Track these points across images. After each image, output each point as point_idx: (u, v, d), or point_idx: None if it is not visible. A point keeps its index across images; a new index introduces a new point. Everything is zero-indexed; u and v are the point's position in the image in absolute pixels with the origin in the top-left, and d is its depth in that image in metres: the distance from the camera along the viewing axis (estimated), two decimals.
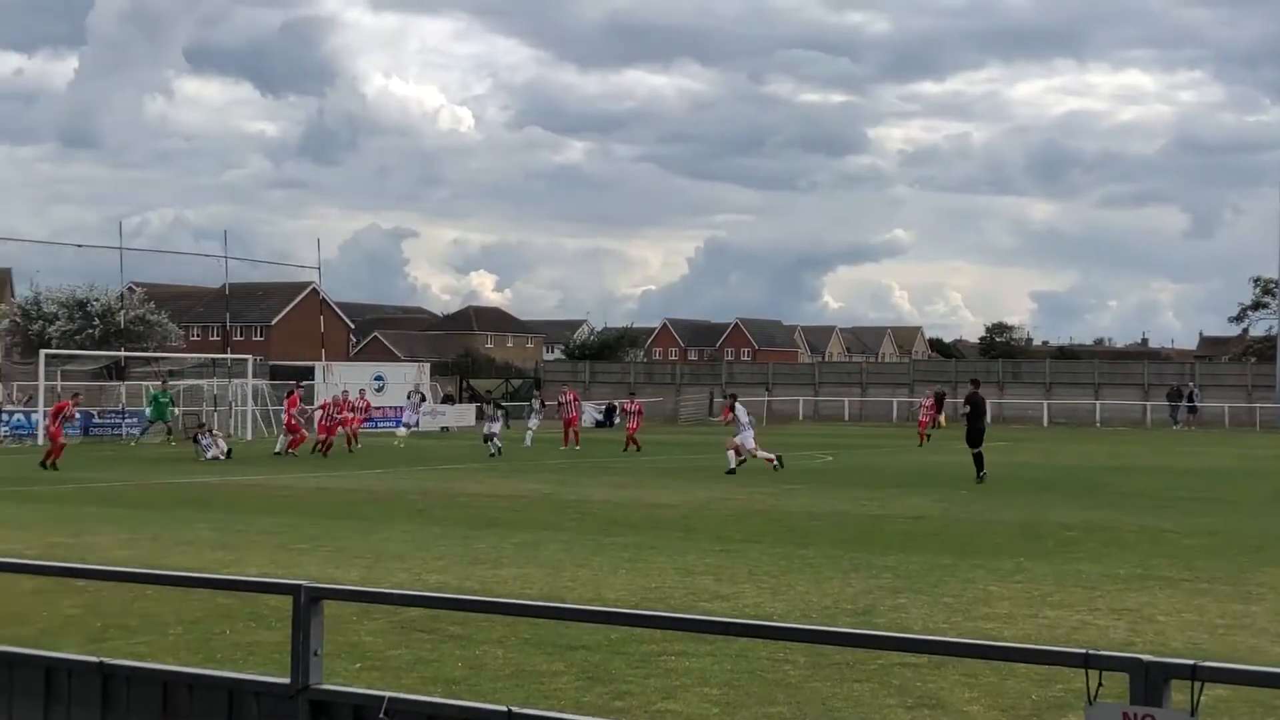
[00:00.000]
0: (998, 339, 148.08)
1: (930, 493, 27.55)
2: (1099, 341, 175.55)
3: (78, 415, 43.46)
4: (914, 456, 41.99)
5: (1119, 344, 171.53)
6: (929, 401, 52.39)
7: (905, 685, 9.97)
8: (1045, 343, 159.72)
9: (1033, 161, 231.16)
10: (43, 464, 34.63)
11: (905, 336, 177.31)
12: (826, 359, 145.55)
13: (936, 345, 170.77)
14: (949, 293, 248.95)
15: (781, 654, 10.72)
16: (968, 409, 31.42)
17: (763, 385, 79.93)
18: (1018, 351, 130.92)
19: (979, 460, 30.07)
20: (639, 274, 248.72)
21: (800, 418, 76.48)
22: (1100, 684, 4.16)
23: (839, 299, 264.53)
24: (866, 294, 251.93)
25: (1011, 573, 15.95)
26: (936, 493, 27.55)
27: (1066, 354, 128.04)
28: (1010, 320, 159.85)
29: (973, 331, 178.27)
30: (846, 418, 77.33)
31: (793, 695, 9.70)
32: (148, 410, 51.18)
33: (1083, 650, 4.21)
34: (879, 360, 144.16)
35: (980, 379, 41.60)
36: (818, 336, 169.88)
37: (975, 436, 30.42)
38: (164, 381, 53.85)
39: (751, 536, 19.65)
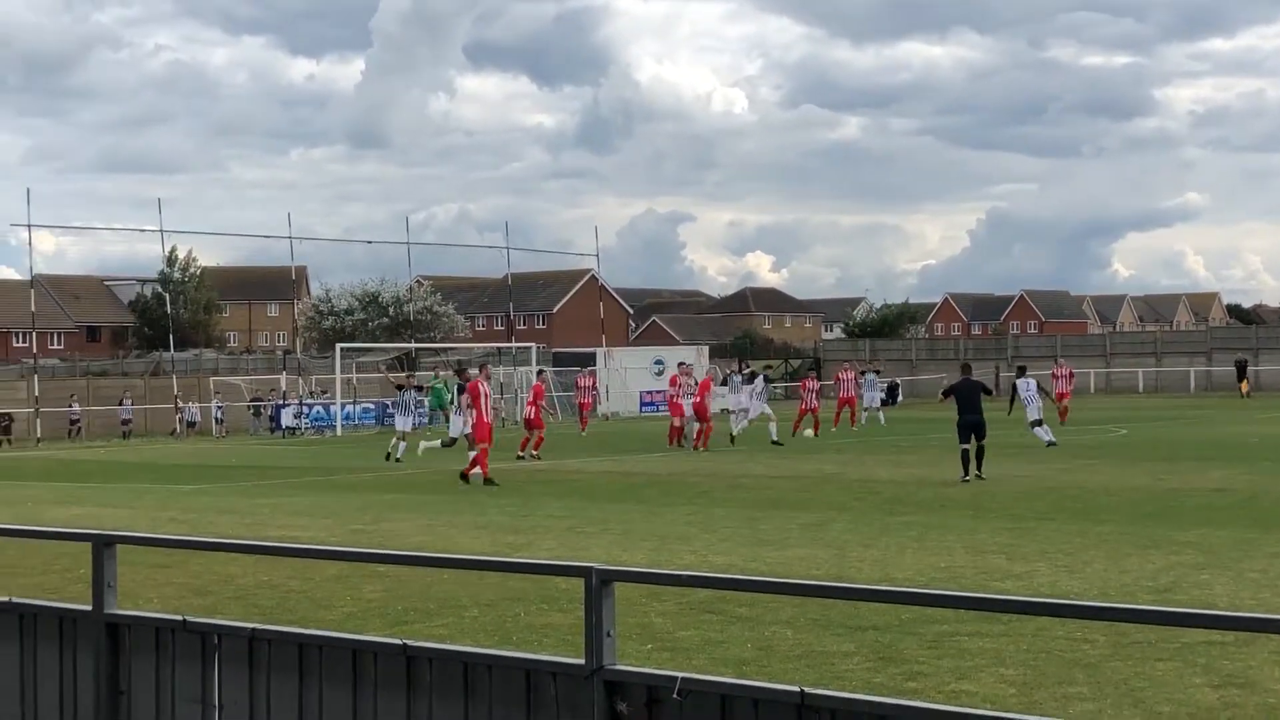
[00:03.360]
0: None
1: (1234, 465, 26.48)
2: None
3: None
4: (1215, 429, 40.41)
5: None
6: (1065, 370, 46.04)
7: (1211, 664, 9.59)
8: None
9: None
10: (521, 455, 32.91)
11: (1201, 303, 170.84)
12: (1118, 329, 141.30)
13: (1235, 311, 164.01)
14: (1247, 256, 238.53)
15: (1080, 633, 10.43)
16: (946, 398, 26.68)
17: (1051, 358, 77.95)
18: None
19: (964, 459, 25.07)
20: (918, 249, 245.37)
21: (1091, 390, 74.37)
22: None
23: (1129, 267, 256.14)
24: (1158, 260, 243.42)
25: None
26: (1240, 465, 26.47)
27: None
28: None
29: (1274, 296, 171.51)
30: (1141, 389, 74.94)
31: (1092, 675, 9.43)
32: (427, 400, 52.80)
33: None
34: (1174, 329, 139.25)
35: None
36: (1108, 306, 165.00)
37: (961, 431, 25.36)
38: (437, 371, 55.50)
39: (1044, 514, 19.18)
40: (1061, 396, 44.27)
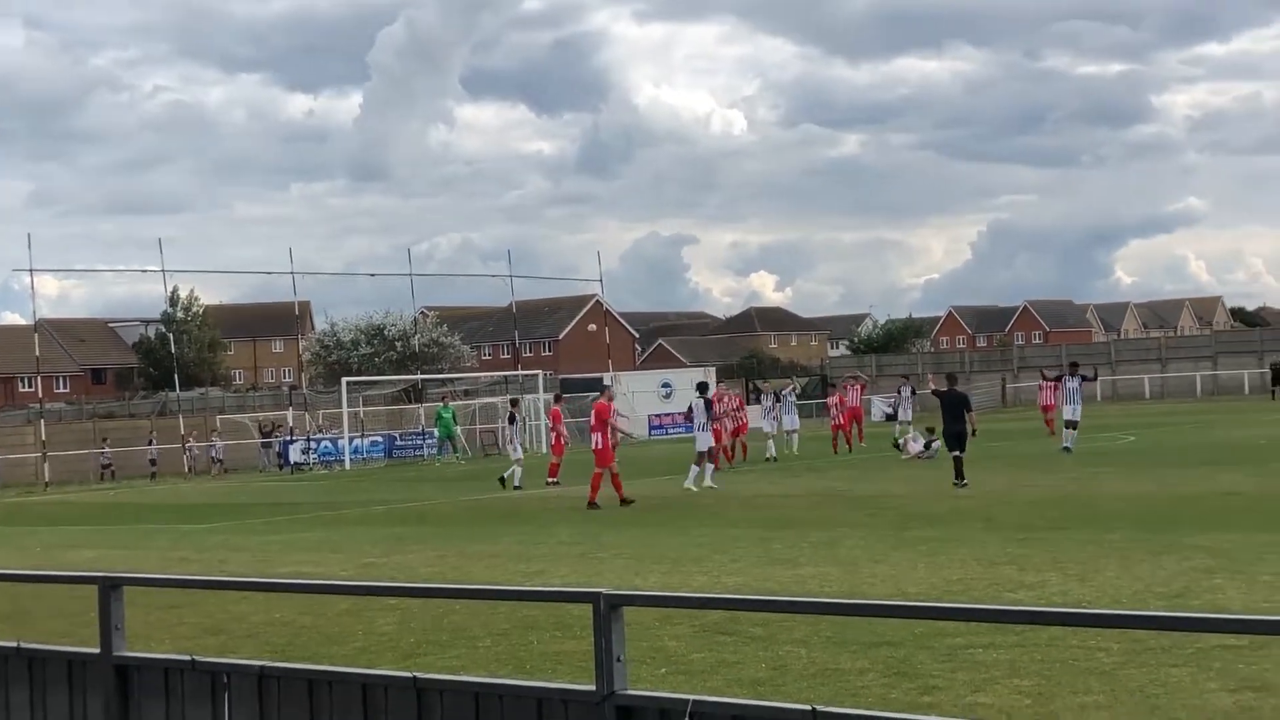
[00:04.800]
0: None
1: (1243, 469, 26.43)
2: None
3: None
4: (1223, 433, 40.36)
5: None
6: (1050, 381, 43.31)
7: (1226, 668, 9.56)
8: None
9: None
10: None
11: (1205, 308, 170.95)
12: (1122, 336, 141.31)
13: (1239, 314, 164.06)
14: (1249, 259, 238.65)
15: (1093, 641, 10.39)
16: (935, 395, 28.01)
17: (1057, 367, 77.98)
18: None
19: (957, 464, 26.26)
20: (921, 263, 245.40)
21: (1098, 398, 74.29)
22: None
23: (1132, 274, 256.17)
24: (1161, 266, 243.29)
25: None
26: (1249, 468, 26.42)
27: None
28: None
29: (1276, 298, 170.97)
30: (1147, 395, 74.90)
31: (1107, 683, 9.39)
32: (436, 429, 52.86)
33: None
34: (1178, 334, 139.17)
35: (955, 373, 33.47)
36: (1111, 313, 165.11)
37: (951, 440, 26.63)
38: (445, 399, 55.43)
39: (1055, 524, 19.14)
40: (1047, 409, 43.95)
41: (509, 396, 44.04)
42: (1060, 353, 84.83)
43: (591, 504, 26.02)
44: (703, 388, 31.69)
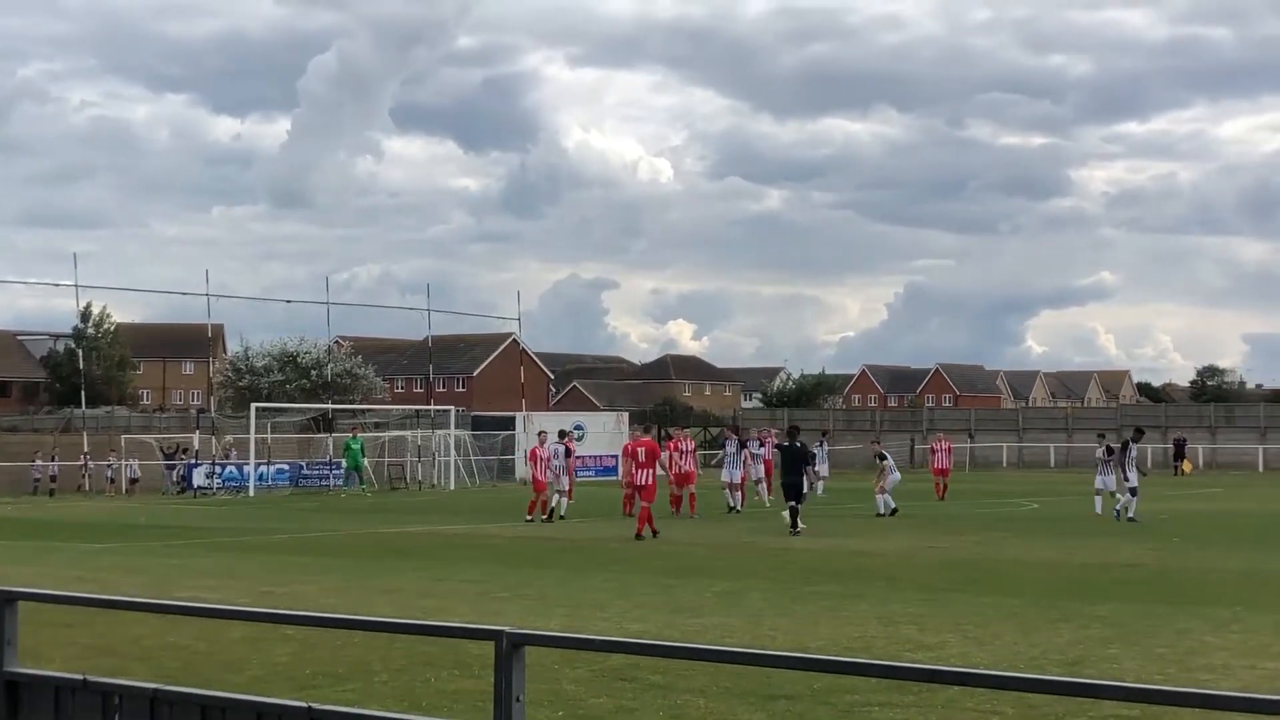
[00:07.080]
0: (1209, 382, 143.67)
1: (1144, 541, 26.76)
2: None
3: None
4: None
5: None
6: (945, 444, 45.26)
7: None
8: (1259, 386, 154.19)
9: (1243, 200, 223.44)
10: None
11: (1112, 380, 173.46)
12: (1030, 404, 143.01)
13: (1145, 389, 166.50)
14: (1158, 335, 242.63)
15: (989, 704, 10.47)
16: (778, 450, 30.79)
17: (965, 431, 78.73)
18: (1230, 395, 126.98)
19: (793, 514, 28.38)
20: (837, 321, 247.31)
21: (1004, 464, 75.11)
22: None
23: (1043, 343, 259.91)
24: (1071, 338, 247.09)
25: (1228, 623, 15.39)
26: (1150, 541, 26.76)
27: None
28: (1222, 363, 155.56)
29: (1183, 375, 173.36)
30: (1052, 464, 75.71)
31: None
32: (344, 460, 52.50)
33: None
34: (1085, 405, 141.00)
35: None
36: (1021, 381, 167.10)
37: (786, 490, 28.85)
38: (355, 430, 55.05)
39: (957, 586, 19.29)
40: (941, 473, 43.47)
41: (559, 428, 40.77)
42: (969, 416, 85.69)
43: (639, 536, 27.62)
44: (824, 434, 32.85)
